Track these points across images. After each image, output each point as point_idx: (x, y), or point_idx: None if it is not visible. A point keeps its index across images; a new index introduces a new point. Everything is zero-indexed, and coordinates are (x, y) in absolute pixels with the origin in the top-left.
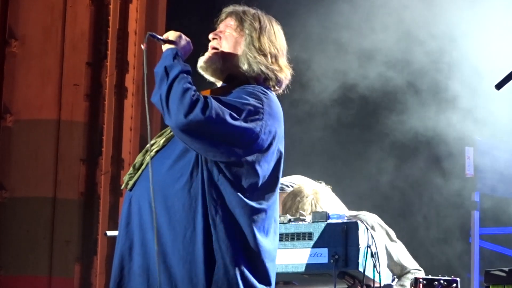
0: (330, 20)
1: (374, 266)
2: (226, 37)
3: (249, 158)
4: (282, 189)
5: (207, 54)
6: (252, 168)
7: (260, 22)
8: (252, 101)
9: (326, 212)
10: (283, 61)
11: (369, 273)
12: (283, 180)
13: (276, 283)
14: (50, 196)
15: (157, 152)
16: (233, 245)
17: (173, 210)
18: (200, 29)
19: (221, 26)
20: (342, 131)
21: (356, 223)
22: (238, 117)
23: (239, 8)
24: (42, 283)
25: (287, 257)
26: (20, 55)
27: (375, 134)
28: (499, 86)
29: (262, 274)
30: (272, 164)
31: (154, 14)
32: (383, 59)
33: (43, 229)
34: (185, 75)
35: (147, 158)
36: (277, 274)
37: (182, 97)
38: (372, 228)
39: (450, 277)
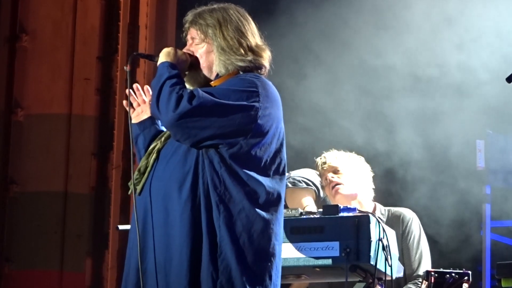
0: None
1: (386, 259)
2: (196, 50)
3: (250, 141)
4: (294, 184)
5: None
6: (254, 152)
7: (218, 19)
8: (245, 84)
9: (337, 205)
10: (257, 43)
11: (380, 266)
12: (294, 175)
13: (288, 277)
14: (61, 191)
15: (159, 151)
16: (238, 233)
17: (177, 201)
18: None
19: (189, 39)
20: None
21: (368, 216)
22: (230, 99)
23: (196, 11)
24: (53, 278)
25: (298, 251)
26: (30, 49)
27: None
28: (510, 79)
29: (267, 257)
30: (274, 146)
31: (165, 8)
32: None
33: (54, 223)
34: (172, 79)
35: (151, 160)
36: (289, 268)
37: (169, 97)
38: (411, 220)
39: (462, 270)
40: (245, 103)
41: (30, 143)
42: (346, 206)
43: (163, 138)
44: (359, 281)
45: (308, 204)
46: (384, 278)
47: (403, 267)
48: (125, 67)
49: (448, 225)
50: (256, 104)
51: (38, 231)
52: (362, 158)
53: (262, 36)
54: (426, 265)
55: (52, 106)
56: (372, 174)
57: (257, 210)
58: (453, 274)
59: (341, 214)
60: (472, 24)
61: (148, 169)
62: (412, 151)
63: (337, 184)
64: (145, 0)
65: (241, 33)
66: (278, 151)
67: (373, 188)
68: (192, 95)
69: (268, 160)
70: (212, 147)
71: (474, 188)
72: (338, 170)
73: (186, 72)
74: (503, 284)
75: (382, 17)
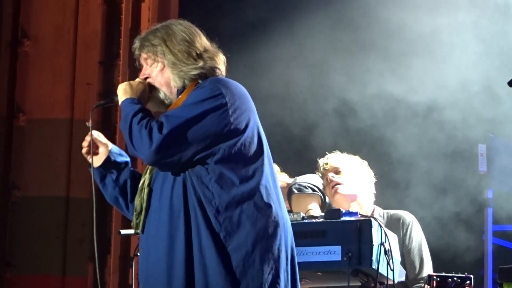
0: None
1: (388, 263)
2: (152, 72)
3: (231, 142)
4: (300, 190)
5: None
6: (239, 150)
7: (162, 36)
8: (207, 92)
9: (339, 210)
10: (206, 48)
11: (382, 270)
12: (300, 181)
13: None
14: (63, 195)
15: (148, 185)
16: (245, 235)
17: (177, 225)
18: (211, 25)
19: (143, 64)
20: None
21: (370, 221)
22: (198, 111)
23: (140, 36)
24: (55, 282)
25: (300, 255)
26: (32, 54)
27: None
28: (511, 83)
29: (278, 249)
30: (256, 137)
31: (166, 12)
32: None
33: (56, 228)
34: (137, 115)
35: (144, 196)
36: None
37: (140, 135)
38: (412, 223)
39: (464, 274)
40: (213, 108)
41: (32, 148)
42: (348, 211)
43: (148, 172)
44: (361, 286)
45: (313, 209)
46: (386, 283)
47: (405, 271)
48: (87, 123)
49: (449, 229)
50: (224, 106)
51: (40, 236)
52: (365, 162)
53: (214, 42)
54: (428, 268)
55: (54, 110)
56: (374, 180)
57: (257, 207)
58: (455, 278)
59: (343, 219)
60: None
61: (144, 205)
62: (413, 154)
63: (337, 184)
64: (146, 5)
65: (187, 43)
66: (262, 141)
67: (374, 193)
68: (161, 124)
69: (255, 152)
70: (197, 163)
71: (476, 192)
72: (339, 171)
73: (149, 97)
74: None
75: None
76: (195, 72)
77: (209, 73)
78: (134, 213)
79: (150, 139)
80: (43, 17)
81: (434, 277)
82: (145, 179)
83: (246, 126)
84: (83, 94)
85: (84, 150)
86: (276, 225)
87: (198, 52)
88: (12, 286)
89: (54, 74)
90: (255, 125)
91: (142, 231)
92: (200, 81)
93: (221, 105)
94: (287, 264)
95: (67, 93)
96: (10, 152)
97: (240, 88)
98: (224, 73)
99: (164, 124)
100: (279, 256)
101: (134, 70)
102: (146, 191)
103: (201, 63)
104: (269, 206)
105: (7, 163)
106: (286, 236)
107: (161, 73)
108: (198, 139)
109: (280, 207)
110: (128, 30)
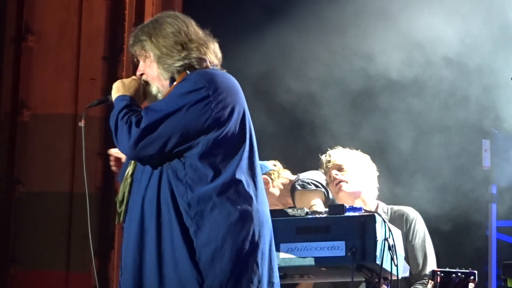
0: None
1: (392, 259)
2: (145, 68)
3: (211, 136)
4: (303, 186)
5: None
6: (219, 144)
7: (149, 31)
8: (191, 85)
9: (343, 205)
10: (192, 38)
11: (386, 266)
12: (303, 177)
13: (293, 276)
14: (67, 191)
15: (131, 175)
16: (215, 231)
17: (150, 218)
18: (215, 21)
19: (139, 59)
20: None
21: (374, 216)
22: (179, 104)
23: (133, 33)
24: (59, 278)
25: (304, 250)
26: (36, 50)
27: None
28: None
29: (251, 246)
30: (239, 131)
31: (170, 8)
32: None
33: (60, 224)
34: (121, 112)
35: (127, 186)
36: (294, 267)
37: (121, 130)
38: (415, 219)
39: (468, 269)
40: (194, 102)
41: (36, 143)
42: (352, 206)
43: (132, 162)
44: (365, 281)
45: (317, 205)
46: (390, 278)
47: (409, 267)
48: (79, 123)
49: (453, 225)
50: (206, 99)
51: (44, 232)
52: (368, 157)
53: (207, 31)
54: (432, 264)
55: (58, 106)
56: (377, 173)
57: (231, 201)
58: (459, 274)
59: (347, 214)
60: None
61: (126, 194)
62: (416, 150)
63: (341, 181)
64: (150, 0)
65: (173, 36)
66: (245, 134)
67: (377, 187)
68: (140, 118)
69: (234, 147)
70: (175, 157)
71: (480, 187)
72: (343, 168)
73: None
74: (509, 284)
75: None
76: (179, 63)
77: (196, 64)
78: (117, 202)
79: (129, 134)
80: (47, 12)
81: (438, 273)
82: (129, 170)
83: (228, 120)
84: (87, 90)
85: (114, 168)
86: (251, 219)
87: (183, 43)
88: (16, 281)
89: (58, 69)
90: (239, 118)
91: (124, 220)
92: (188, 72)
93: (202, 99)
94: (262, 259)
95: (71, 89)
96: (14, 147)
97: (227, 81)
98: (215, 61)
99: (142, 118)
100: (252, 251)
101: (138, 65)
102: (128, 181)
103: (184, 54)
104: (244, 200)
105: (11, 159)
106: (263, 231)
107: (151, 69)
108: (176, 132)
109: (258, 201)
110: (132, 25)
